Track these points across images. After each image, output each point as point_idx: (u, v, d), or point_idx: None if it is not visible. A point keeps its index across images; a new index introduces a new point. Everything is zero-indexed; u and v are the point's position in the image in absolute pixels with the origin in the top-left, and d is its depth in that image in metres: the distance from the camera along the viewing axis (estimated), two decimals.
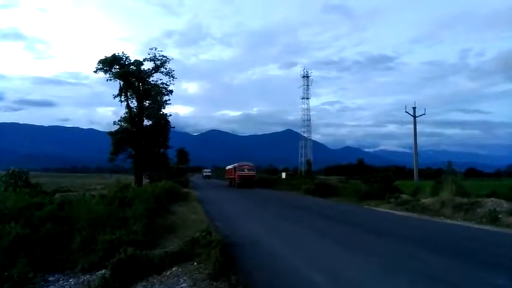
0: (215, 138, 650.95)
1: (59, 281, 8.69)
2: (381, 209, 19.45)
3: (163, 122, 42.96)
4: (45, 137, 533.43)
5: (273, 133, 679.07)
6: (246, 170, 46.30)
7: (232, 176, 48.16)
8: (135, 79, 40.79)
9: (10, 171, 31.66)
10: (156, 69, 41.44)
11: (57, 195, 22.87)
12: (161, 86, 42.02)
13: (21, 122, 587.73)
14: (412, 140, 35.94)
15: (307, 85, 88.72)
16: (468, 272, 7.19)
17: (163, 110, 42.69)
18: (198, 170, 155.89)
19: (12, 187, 25.54)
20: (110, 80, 39.92)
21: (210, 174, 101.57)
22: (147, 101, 42.04)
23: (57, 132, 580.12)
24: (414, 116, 35.52)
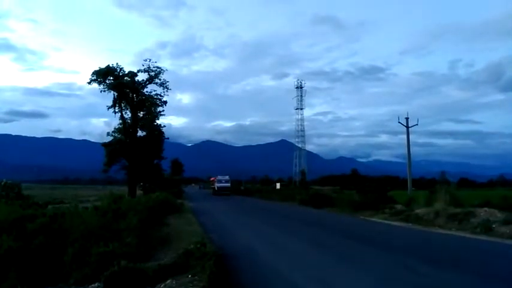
0: (209, 149, 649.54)
1: None
2: (375, 220, 19.46)
3: (157, 132, 43.01)
4: (38, 148, 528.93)
5: (267, 144, 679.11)
6: None
7: None
8: (129, 90, 40.90)
9: (2, 183, 31.41)
10: (150, 80, 41.62)
11: (49, 207, 22.70)
12: (155, 97, 42.20)
13: (13, 134, 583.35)
14: (405, 150, 36.22)
15: (301, 96, 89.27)
16: (465, 284, 7.20)
17: (157, 121, 42.84)
18: (194, 181, 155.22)
19: (4, 199, 25.27)
20: (104, 91, 40.00)
21: (228, 185, 57.98)
22: (141, 112, 42.12)
23: (49, 144, 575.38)
24: (407, 127, 35.83)
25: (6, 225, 11.90)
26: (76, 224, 11.66)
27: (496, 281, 7.37)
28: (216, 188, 57.09)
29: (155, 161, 44.92)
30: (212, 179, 68.39)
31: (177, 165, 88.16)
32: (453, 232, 14.29)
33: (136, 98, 41.60)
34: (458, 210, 16.37)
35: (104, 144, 40.59)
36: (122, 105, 40.99)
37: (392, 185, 53.13)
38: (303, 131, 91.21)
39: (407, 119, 36.11)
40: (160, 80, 41.86)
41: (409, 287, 6.93)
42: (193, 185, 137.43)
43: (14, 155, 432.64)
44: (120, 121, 41.00)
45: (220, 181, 57.71)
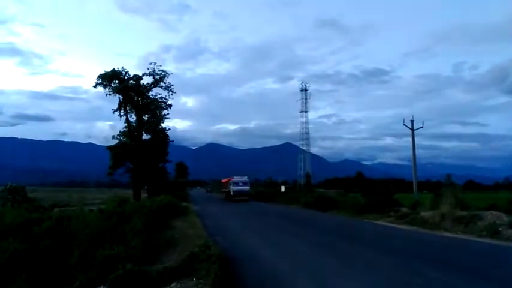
0: (213, 151, 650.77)
1: None
2: (381, 223, 19.36)
3: (162, 136, 43.11)
4: (44, 151, 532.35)
5: (271, 146, 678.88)
6: None
7: None
8: (135, 93, 41.07)
9: (7, 186, 31.62)
10: (155, 83, 41.76)
11: (55, 210, 22.79)
12: (160, 100, 42.31)
13: (19, 137, 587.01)
14: (410, 153, 35.98)
15: (305, 98, 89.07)
16: None
17: (162, 124, 42.91)
18: (199, 183, 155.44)
19: (10, 202, 25.44)
20: (110, 94, 40.20)
21: (247, 189, 48.53)
22: (146, 115, 42.24)
23: (55, 147, 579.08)
24: (412, 129, 35.62)
25: (13, 228, 11.96)
26: (81, 227, 11.71)
27: (505, 285, 7.31)
28: (231, 192, 46.98)
29: (160, 164, 44.99)
30: (224, 180, 57.39)
31: (181, 168, 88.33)
32: (459, 235, 14.19)
33: (142, 102, 41.76)
34: (464, 213, 16.24)
35: (109, 148, 40.69)
36: (127, 108, 41.14)
37: (397, 187, 52.76)
38: (307, 133, 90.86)
39: (412, 121, 35.91)
40: (165, 83, 42.01)
41: None
42: (198, 187, 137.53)
43: (20, 158, 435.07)
44: (125, 124, 41.15)
45: (236, 183, 47.48)
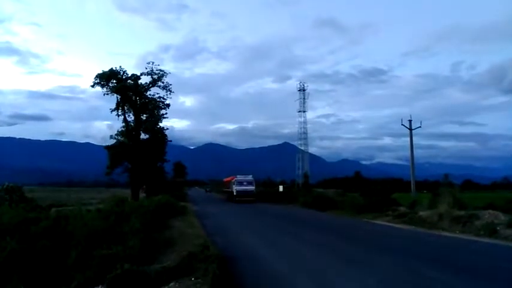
0: (212, 151, 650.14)
1: None
2: (379, 222, 19.39)
3: (160, 135, 42.99)
4: (41, 151, 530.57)
5: (270, 146, 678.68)
6: None
7: None
8: (132, 93, 40.97)
9: (4, 186, 31.54)
10: (153, 83, 41.66)
11: (52, 210, 22.71)
12: (158, 100, 42.21)
13: (17, 137, 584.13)
14: (408, 153, 36.10)
15: (304, 98, 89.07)
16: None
17: (160, 124, 42.79)
18: (197, 183, 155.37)
19: (7, 202, 25.36)
20: (107, 94, 40.12)
21: (252, 189, 44.40)
22: (144, 115, 42.12)
23: (53, 147, 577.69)
24: (410, 129, 35.76)
25: (10, 228, 11.92)
26: (79, 227, 11.67)
27: (503, 284, 7.33)
28: (234, 193, 43.31)
29: (158, 164, 44.87)
30: (227, 179, 54.93)
31: (180, 167, 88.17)
32: (457, 235, 14.22)
33: (140, 101, 41.65)
34: (462, 212, 16.29)
35: (107, 147, 40.58)
36: (125, 108, 41.02)
37: (396, 187, 52.93)
38: (305, 133, 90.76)
39: (410, 121, 36.10)
40: (163, 82, 41.92)
41: None
42: (197, 187, 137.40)
43: (17, 158, 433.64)
44: (123, 124, 41.03)
45: (240, 183, 43.76)
